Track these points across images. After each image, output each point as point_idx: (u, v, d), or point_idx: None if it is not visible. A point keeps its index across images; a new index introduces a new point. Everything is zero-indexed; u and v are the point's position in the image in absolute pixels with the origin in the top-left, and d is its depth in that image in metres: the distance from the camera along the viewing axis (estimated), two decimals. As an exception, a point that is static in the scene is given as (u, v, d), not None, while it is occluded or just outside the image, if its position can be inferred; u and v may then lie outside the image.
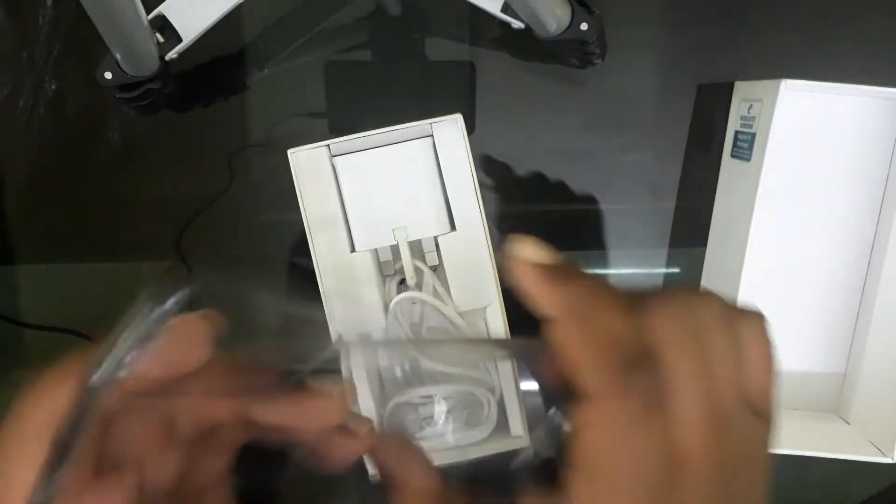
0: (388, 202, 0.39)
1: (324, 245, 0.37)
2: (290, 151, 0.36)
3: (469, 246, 0.36)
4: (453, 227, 0.36)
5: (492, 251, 0.36)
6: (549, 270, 0.23)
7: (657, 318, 0.21)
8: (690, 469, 0.21)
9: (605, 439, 0.20)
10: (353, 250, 0.37)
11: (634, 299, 0.21)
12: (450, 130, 0.35)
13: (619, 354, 0.21)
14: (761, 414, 0.22)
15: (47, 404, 0.19)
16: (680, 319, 0.21)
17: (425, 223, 0.38)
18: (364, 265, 0.36)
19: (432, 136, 0.36)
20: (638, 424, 0.20)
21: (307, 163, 0.36)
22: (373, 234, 0.39)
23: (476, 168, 0.45)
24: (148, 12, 0.33)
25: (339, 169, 0.38)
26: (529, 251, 0.23)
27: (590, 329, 0.21)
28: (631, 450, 0.20)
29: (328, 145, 0.36)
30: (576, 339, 0.21)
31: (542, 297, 0.22)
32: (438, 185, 0.36)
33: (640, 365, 0.21)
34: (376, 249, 0.38)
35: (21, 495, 0.20)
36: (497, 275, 0.36)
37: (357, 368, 0.38)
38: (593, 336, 0.21)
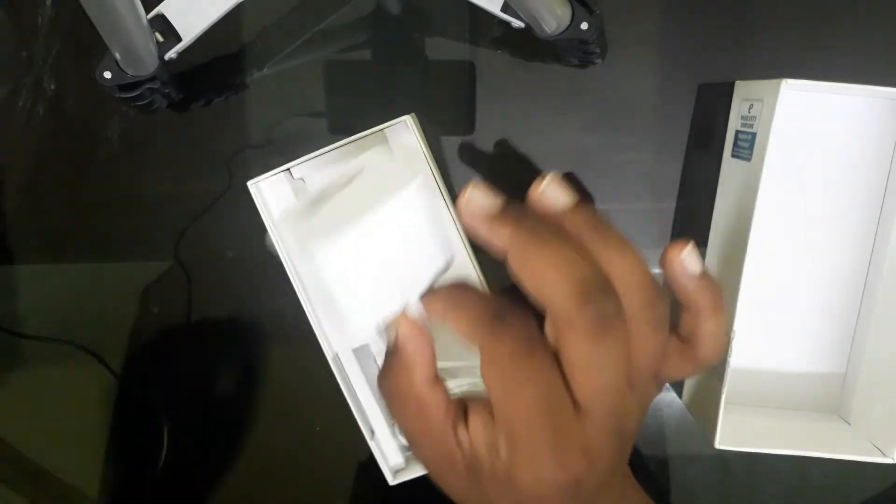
0: (361, 214, 0.38)
1: (302, 269, 0.36)
2: (249, 183, 0.35)
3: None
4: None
5: (468, 247, 0.35)
6: (495, 215, 0.27)
7: (607, 251, 0.25)
8: (637, 377, 0.26)
9: (575, 349, 0.24)
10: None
11: (572, 234, 0.26)
12: (403, 134, 0.35)
13: (572, 278, 0.24)
14: (657, 385, 0.28)
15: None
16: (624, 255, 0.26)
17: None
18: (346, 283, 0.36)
19: (389, 142, 0.35)
20: (602, 337, 0.24)
21: (270, 191, 0.36)
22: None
23: (477, 164, 0.45)
24: (147, 12, 0.33)
25: (308, 189, 0.38)
26: (477, 198, 0.27)
27: (538, 257, 0.25)
28: (600, 358, 0.24)
29: (288, 170, 0.36)
30: (526, 270, 0.25)
31: (493, 238, 0.26)
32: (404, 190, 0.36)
33: (597, 288, 0.24)
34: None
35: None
36: (478, 269, 0.36)
37: None
38: (542, 264, 0.24)
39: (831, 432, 0.42)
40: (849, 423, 0.43)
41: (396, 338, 0.29)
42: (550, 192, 0.27)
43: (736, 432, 0.38)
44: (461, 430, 0.27)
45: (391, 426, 0.39)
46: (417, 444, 0.29)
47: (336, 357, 0.38)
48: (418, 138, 0.35)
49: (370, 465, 0.45)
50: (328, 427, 0.46)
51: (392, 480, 0.39)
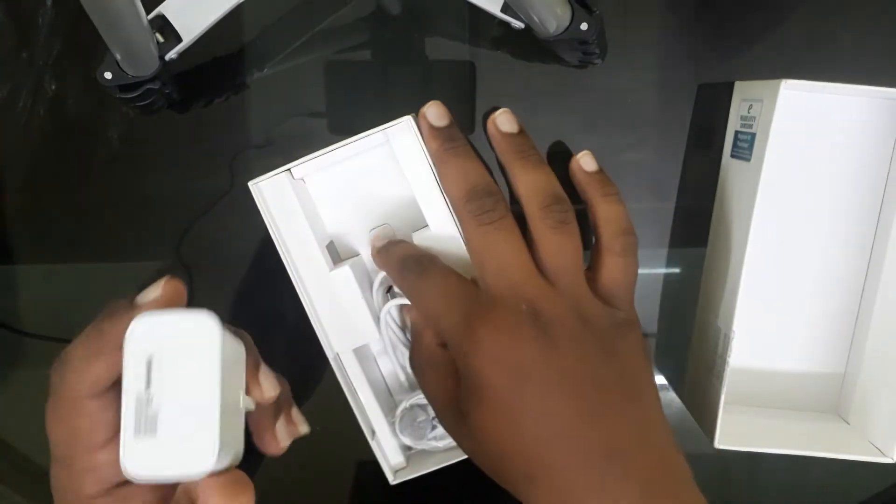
0: (360, 215, 0.39)
1: (303, 268, 0.37)
2: (250, 184, 0.36)
3: (443, 242, 0.36)
4: (425, 224, 0.36)
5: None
6: (437, 129, 0.35)
7: (517, 168, 0.36)
8: (552, 270, 0.34)
9: (468, 237, 0.35)
10: (332, 268, 0.37)
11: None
12: (404, 133, 0.36)
13: (464, 183, 0.35)
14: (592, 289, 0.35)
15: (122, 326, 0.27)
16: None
17: (399, 227, 0.38)
18: (347, 280, 0.36)
19: (389, 143, 0.36)
20: (487, 226, 0.34)
21: (271, 191, 0.36)
22: (350, 247, 0.39)
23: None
24: (148, 12, 0.33)
25: (308, 189, 0.38)
26: (431, 113, 0.36)
27: (447, 166, 0.35)
28: (486, 246, 0.34)
29: (289, 170, 0.36)
30: (440, 175, 0.36)
31: (428, 148, 0.36)
32: (406, 190, 0.36)
33: (481, 190, 0.35)
34: (359, 263, 0.38)
35: (88, 383, 0.27)
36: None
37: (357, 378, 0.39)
38: (449, 170, 0.35)
39: (831, 432, 0.42)
40: (848, 423, 0.43)
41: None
42: (500, 119, 0.37)
43: (735, 432, 0.39)
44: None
45: (391, 425, 0.39)
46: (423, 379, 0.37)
47: (337, 357, 0.38)
48: (418, 139, 0.35)
49: (370, 466, 0.45)
50: (328, 427, 0.46)
51: (393, 480, 0.39)
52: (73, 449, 0.28)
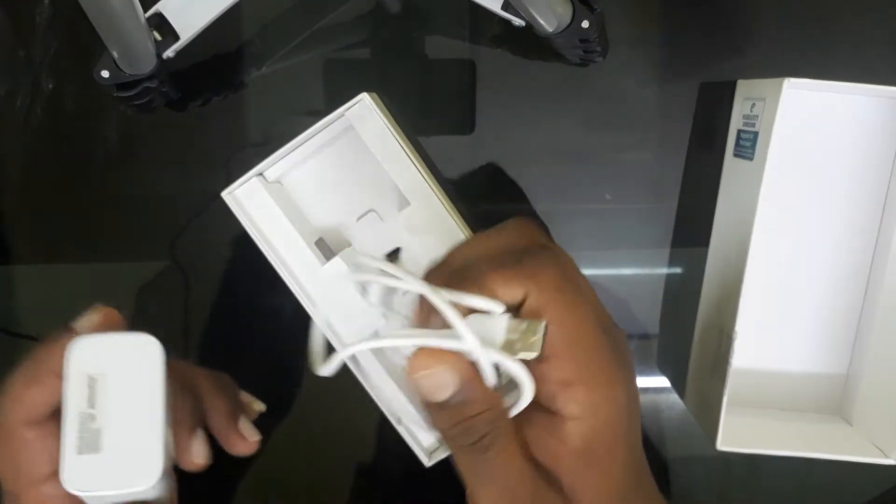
0: (345, 205, 0.38)
1: (297, 270, 0.36)
2: (224, 194, 0.35)
3: (429, 216, 0.35)
4: (407, 203, 0.35)
5: (452, 213, 0.35)
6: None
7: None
8: None
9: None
10: (324, 263, 0.36)
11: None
12: (364, 113, 0.34)
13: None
14: None
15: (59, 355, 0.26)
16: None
17: (385, 210, 0.38)
18: (340, 273, 0.36)
19: (352, 125, 0.35)
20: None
21: (247, 198, 0.35)
22: (342, 240, 0.39)
23: (477, 164, 0.44)
24: (145, 10, 0.33)
25: (287, 189, 0.37)
26: (426, 384, 0.25)
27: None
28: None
29: (261, 174, 0.36)
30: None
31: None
32: (380, 169, 0.35)
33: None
34: (351, 253, 0.38)
35: (25, 411, 0.27)
36: (466, 231, 0.35)
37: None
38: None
39: (833, 433, 0.42)
40: (851, 425, 0.43)
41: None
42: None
43: (738, 434, 0.38)
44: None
45: (416, 407, 0.38)
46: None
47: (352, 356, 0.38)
48: (380, 115, 0.34)
49: (371, 465, 0.45)
50: (328, 426, 0.45)
51: (428, 462, 0.38)
52: (17, 484, 0.27)
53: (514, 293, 0.25)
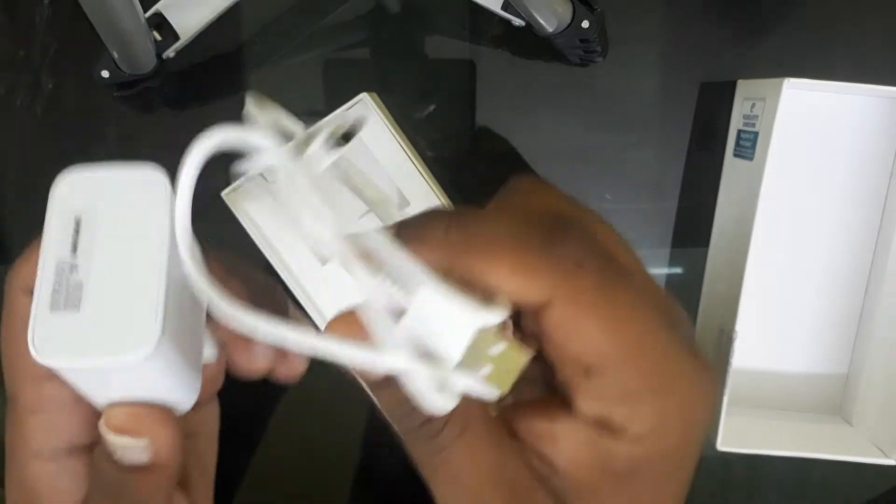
0: (346, 204, 0.38)
1: (296, 270, 0.36)
2: (224, 193, 0.34)
3: None
4: (407, 203, 0.35)
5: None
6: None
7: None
8: None
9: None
10: (324, 263, 0.36)
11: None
12: (363, 113, 0.34)
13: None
14: None
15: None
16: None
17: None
18: (340, 271, 0.36)
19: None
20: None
21: (247, 198, 0.35)
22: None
23: (477, 164, 0.44)
24: (145, 10, 0.33)
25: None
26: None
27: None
28: None
29: (261, 174, 0.36)
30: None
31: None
32: (381, 170, 0.35)
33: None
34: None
35: (22, 282, 0.22)
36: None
37: None
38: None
39: (833, 434, 0.42)
40: (851, 425, 0.43)
41: None
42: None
43: (738, 434, 0.38)
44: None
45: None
46: None
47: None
48: (380, 115, 0.34)
49: (370, 465, 0.45)
50: (328, 426, 0.45)
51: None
52: (14, 380, 0.21)
53: (532, 294, 0.17)
